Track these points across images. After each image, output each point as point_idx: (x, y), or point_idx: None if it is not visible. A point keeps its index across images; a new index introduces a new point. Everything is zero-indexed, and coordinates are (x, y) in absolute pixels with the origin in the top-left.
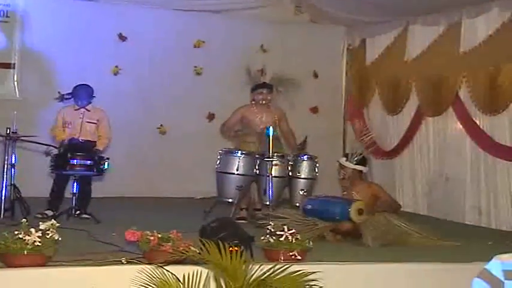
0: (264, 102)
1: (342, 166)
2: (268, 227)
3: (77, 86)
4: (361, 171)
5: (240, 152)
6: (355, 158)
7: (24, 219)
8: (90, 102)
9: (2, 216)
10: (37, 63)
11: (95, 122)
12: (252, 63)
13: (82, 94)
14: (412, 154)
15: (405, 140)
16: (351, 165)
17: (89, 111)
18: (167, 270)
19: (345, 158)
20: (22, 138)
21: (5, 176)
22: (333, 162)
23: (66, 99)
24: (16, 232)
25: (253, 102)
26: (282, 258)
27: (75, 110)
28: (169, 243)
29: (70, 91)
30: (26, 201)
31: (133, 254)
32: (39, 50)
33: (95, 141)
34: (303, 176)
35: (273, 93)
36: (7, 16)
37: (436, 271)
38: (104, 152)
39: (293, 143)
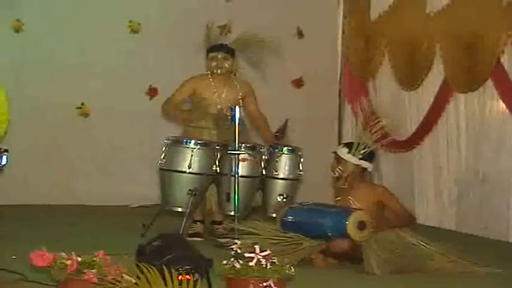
0: (218, 70)
1: (339, 160)
2: (233, 246)
3: None
4: (364, 169)
5: (193, 141)
6: (362, 151)
7: None
8: None
9: None
10: None
11: None
12: (211, 18)
13: None
14: (435, 145)
15: (426, 125)
16: (354, 160)
17: None
18: None
19: (346, 150)
20: None
21: None
22: (323, 157)
23: None
24: None
25: (208, 72)
26: None
27: None
28: (93, 270)
29: None
30: None
31: (43, 284)
32: None
33: None
34: (281, 176)
35: (233, 59)
36: None
37: None
38: (2, 139)
39: (266, 130)
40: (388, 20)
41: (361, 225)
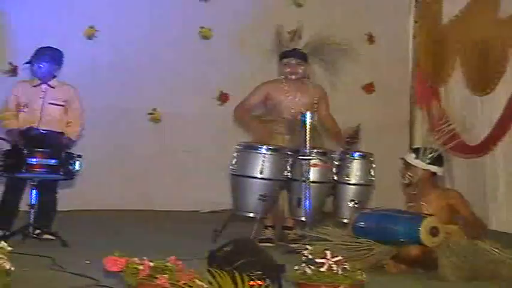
0: (293, 76)
1: (408, 166)
2: (304, 252)
3: (39, 48)
4: (434, 174)
5: (264, 147)
6: (429, 156)
7: None
8: (54, 76)
9: None
10: None
11: (62, 103)
12: (281, 23)
13: (46, 58)
14: (508, 150)
15: (499, 130)
16: (422, 165)
17: (53, 88)
18: None
19: (413, 155)
20: None
21: None
22: (394, 162)
23: (28, 63)
24: None
25: (282, 77)
26: None
27: (34, 86)
28: (165, 275)
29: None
30: None
31: None
32: None
33: (61, 132)
34: (353, 182)
35: (307, 64)
36: None
37: None
38: (75, 144)
39: (338, 134)
40: (459, 24)
41: (434, 231)
